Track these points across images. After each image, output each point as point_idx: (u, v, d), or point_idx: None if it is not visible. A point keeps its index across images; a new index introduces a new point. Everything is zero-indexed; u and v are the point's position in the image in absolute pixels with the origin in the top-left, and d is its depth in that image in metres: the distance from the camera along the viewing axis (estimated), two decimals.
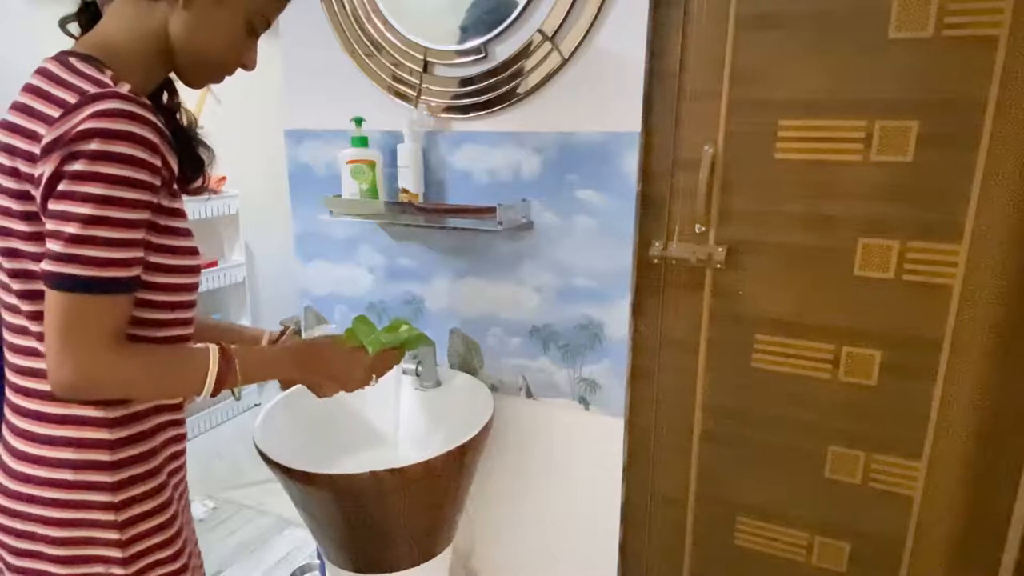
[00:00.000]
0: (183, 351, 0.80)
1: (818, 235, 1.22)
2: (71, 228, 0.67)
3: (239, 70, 0.85)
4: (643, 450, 1.47)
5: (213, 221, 2.79)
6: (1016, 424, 1.16)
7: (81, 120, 0.66)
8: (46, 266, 0.68)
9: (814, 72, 1.17)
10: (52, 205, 0.67)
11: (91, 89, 0.69)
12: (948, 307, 1.16)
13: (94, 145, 0.66)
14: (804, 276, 1.25)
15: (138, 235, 0.71)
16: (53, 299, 0.68)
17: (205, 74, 0.83)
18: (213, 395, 0.78)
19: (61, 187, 0.67)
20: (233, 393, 0.81)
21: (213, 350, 0.78)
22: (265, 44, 0.87)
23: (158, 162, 0.70)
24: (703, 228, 1.30)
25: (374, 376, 0.99)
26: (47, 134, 0.68)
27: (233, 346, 0.81)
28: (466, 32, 1.37)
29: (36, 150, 0.69)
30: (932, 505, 1.25)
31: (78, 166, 0.66)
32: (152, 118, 0.70)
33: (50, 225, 0.68)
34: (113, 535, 0.77)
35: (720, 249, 1.29)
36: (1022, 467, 1.17)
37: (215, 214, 2.74)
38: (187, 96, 0.91)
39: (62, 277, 0.67)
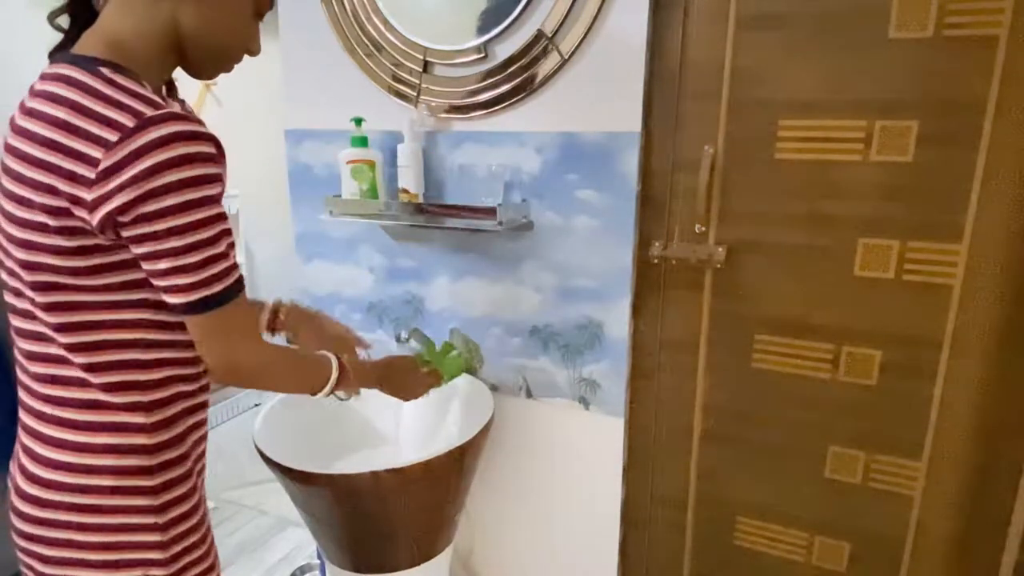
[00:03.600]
0: (310, 354, 0.94)
1: (818, 235, 1.22)
2: (191, 258, 0.70)
3: (245, 58, 0.84)
4: (643, 450, 1.47)
5: None
6: (1016, 424, 1.16)
7: (146, 148, 0.65)
8: (177, 300, 0.72)
9: (814, 72, 1.17)
10: (157, 245, 0.69)
11: (146, 111, 0.66)
12: (948, 307, 1.16)
13: (173, 176, 0.67)
14: (804, 276, 1.25)
15: (232, 238, 0.76)
16: (199, 320, 0.74)
17: (216, 64, 0.82)
18: (325, 394, 0.92)
19: (158, 225, 0.68)
20: (340, 396, 0.96)
21: (332, 357, 0.92)
22: (265, 44, 0.87)
23: (222, 171, 0.74)
24: (703, 228, 1.30)
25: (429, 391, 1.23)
26: (104, 158, 0.65)
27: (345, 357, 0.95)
28: (466, 32, 1.37)
29: (81, 171, 0.66)
30: (932, 505, 1.25)
31: (170, 200, 0.67)
32: (210, 132, 0.71)
33: (163, 264, 0.70)
34: (156, 537, 0.78)
35: (720, 249, 1.29)
36: (1022, 467, 1.17)
37: None
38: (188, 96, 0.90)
39: (205, 301, 0.72)
